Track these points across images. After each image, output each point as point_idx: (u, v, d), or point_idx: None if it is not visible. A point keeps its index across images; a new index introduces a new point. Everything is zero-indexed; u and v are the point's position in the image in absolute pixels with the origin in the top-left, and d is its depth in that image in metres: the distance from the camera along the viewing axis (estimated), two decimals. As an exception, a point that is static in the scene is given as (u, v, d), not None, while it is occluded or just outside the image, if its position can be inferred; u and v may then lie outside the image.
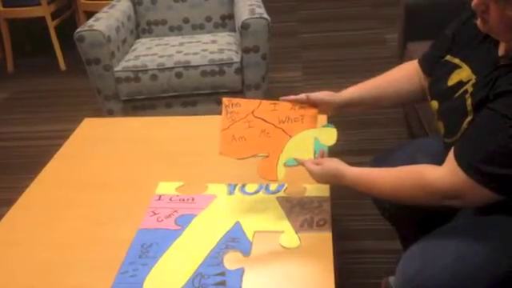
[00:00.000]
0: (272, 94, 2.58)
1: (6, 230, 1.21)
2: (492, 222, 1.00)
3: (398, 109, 2.31)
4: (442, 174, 0.95)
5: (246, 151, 1.13)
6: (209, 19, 2.66)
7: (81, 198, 1.29)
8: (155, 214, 1.20)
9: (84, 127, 1.64)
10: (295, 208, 1.18)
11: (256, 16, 2.20)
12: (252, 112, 1.14)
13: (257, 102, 1.16)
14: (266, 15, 2.23)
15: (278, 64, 3.13)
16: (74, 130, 1.62)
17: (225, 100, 1.16)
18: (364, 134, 2.35)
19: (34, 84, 3.25)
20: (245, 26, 2.19)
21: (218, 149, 1.15)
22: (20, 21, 3.48)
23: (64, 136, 1.60)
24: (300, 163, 1.13)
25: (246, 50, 2.24)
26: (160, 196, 1.26)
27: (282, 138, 1.13)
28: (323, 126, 1.19)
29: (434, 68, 1.13)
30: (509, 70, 0.91)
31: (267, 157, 1.13)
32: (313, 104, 1.16)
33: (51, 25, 3.27)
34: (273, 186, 1.26)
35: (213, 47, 2.37)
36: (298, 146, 1.13)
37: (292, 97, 1.17)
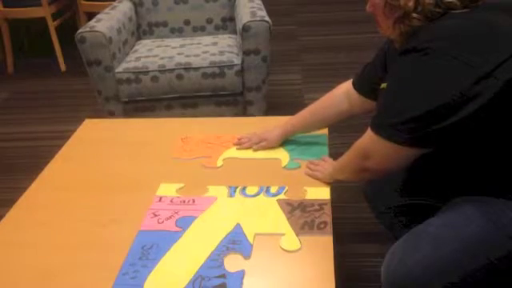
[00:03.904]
0: (272, 97, 2.59)
1: (6, 230, 1.21)
2: (473, 211, 1.02)
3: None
4: (360, 140, 1.10)
5: (192, 155, 1.45)
6: (210, 21, 2.67)
7: (81, 199, 1.29)
8: (156, 215, 1.20)
9: (85, 128, 1.64)
10: (296, 211, 1.18)
11: (257, 19, 2.20)
12: (201, 141, 1.52)
13: (206, 135, 1.55)
14: (267, 18, 2.23)
15: (278, 67, 3.13)
16: (74, 130, 1.62)
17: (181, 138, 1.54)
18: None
19: (34, 85, 3.25)
20: (246, 29, 2.19)
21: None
22: (20, 21, 3.48)
23: (65, 137, 1.60)
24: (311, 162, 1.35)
25: (246, 53, 2.24)
26: (161, 197, 1.26)
27: (221, 149, 1.47)
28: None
29: (372, 90, 1.27)
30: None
31: (210, 157, 1.44)
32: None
33: (52, 25, 3.27)
34: (273, 189, 1.26)
35: (213, 49, 2.37)
36: (235, 153, 1.45)
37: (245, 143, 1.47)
